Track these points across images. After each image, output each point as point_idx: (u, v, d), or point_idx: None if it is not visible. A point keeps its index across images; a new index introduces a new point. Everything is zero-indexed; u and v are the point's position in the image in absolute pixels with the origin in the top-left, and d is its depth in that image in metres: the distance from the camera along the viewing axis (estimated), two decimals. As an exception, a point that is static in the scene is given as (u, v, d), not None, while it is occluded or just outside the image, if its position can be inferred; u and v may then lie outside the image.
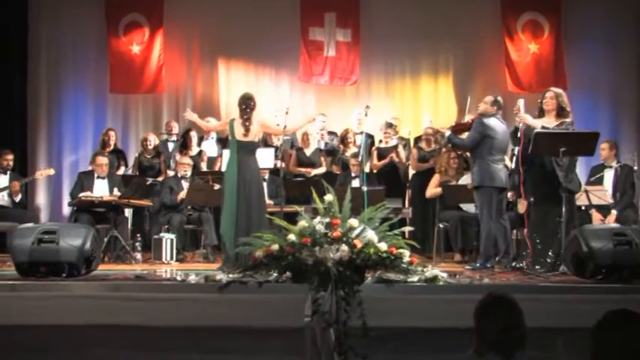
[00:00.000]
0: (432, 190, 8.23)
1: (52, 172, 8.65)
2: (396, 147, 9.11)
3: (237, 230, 6.42)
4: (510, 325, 2.88)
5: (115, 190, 8.13)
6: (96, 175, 8.25)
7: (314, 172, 9.08)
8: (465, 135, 6.95)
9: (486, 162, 6.64)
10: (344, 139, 9.16)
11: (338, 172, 9.05)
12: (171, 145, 9.57)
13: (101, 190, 8.15)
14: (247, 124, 6.70)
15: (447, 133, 7.01)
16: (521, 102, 6.53)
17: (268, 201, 8.32)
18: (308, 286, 4.56)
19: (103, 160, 8.33)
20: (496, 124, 6.73)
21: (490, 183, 6.63)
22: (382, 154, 9.13)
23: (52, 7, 10.64)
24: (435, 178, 8.29)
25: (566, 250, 5.71)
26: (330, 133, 9.73)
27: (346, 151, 9.09)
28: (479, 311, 2.97)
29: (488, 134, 6.65)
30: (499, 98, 6.87)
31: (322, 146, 9.47)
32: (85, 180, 8.24)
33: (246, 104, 6.77)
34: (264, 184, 8.35)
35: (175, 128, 9.74)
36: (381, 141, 9.32)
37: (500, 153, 6.78)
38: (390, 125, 9.39)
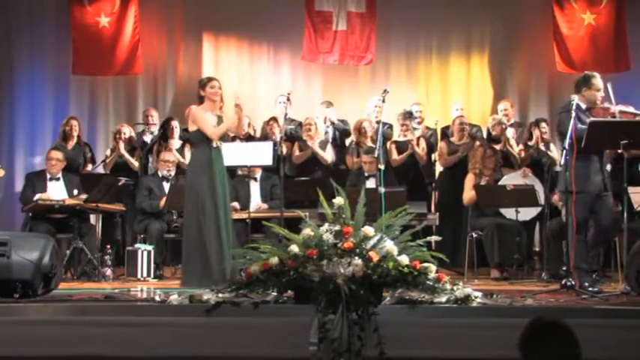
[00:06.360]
0: (470, 193, 8.15)
1: (1, 173, 8.54)
2: (418, 139, 9.07)
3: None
4: (565, 357, 2.85)
5: (75, 191, 8.10)
6: (48, 177, 8.23)
7: (319, 151, 9.07)
8: None
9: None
10: (359, 132, 9.09)
11: (351, 161, 9.01)
12: (149, 139, 9.46)
13: (56, 193, 8.12)
14: None
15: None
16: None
17: (262, 204, 8.34)
18: (314, 307, 4.54)
19: (56, 154, 8.29)
20: None
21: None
22: (401, 149, 9.10)
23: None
24: (469, 180, 8.25)
25: (630, 264, 5.68)
26: (342, 121, 9.69)
27: (361, 145, 9.02)
28: (525, 340, 2.93)
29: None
30: None
31: (330, 138, 9.42)
32: (36, 182, 8.21)
33: None
34: (257, 183, 8.47)
35: (154, 117, 9.65)
36: (398, 136, 9.30)
37: None
38: (409, 115, 9.32)
